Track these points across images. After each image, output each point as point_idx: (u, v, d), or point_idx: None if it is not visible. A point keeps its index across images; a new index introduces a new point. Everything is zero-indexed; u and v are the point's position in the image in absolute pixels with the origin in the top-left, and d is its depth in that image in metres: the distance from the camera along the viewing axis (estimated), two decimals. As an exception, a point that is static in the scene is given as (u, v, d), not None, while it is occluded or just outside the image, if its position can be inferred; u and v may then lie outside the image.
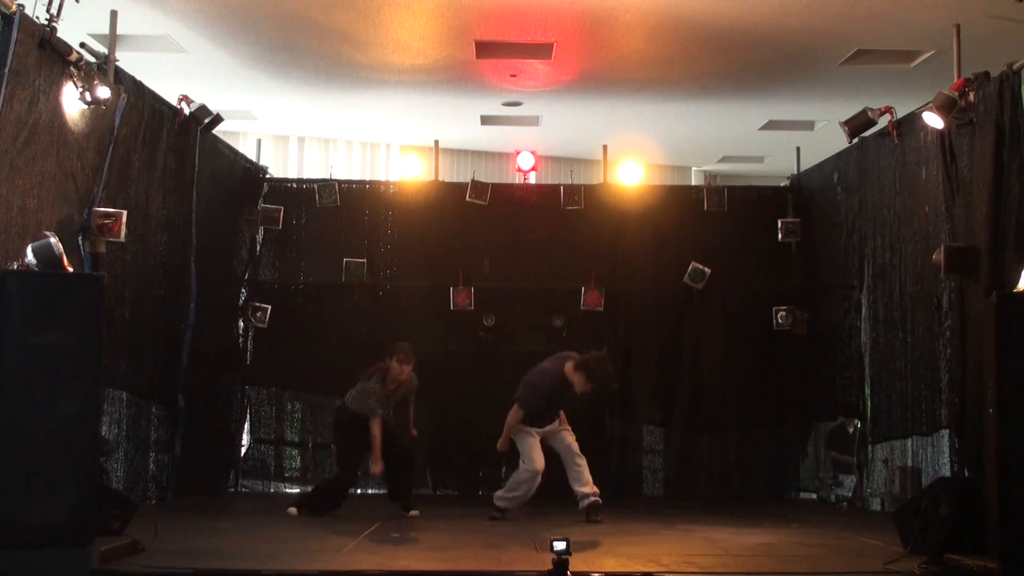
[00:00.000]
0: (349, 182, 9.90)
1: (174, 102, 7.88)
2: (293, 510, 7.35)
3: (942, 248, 6.63)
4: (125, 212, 6.73)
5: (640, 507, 8.41)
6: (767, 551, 5.98)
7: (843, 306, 8.77)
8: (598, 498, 7.23)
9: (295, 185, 9.85)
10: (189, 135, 8.16)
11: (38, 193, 5.98)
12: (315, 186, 9.64)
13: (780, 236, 9.45)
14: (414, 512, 7.40)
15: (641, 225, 9.53)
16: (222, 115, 8.47)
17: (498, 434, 7.38)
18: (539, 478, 7.21)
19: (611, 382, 7.34)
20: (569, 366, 7.15)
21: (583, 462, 7.30)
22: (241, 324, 9.41)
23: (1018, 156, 6.04)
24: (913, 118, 7.48)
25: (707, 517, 7.52)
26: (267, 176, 9.79)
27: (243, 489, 9.24)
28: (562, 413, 7.40)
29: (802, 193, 9.69)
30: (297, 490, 9.24)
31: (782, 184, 10.16)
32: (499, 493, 7.39)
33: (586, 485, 7.25)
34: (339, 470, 7.65)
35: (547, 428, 7.34)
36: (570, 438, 7.35)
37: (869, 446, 8.25)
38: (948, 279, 6.78)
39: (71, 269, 5.61)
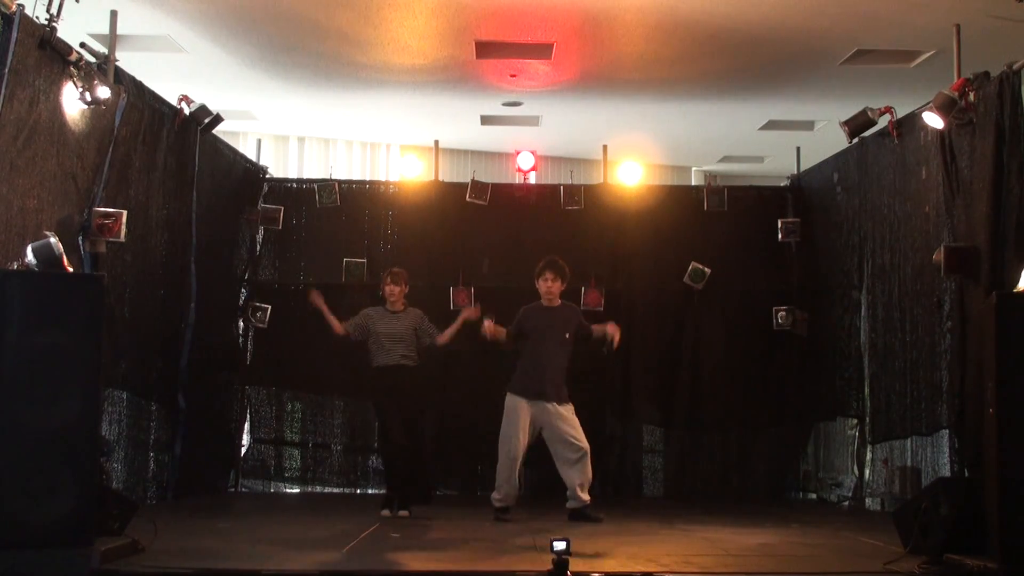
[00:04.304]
0: (349, 182, 9.89)
1: (174, 102, 7.87)
2: (386, 512, 7.31)
3: (942, 248, 6.62)
4: (125, 212, 6.72)
5: (640, 507, 8.41)
6: (767, 551, 5.98)
7: (843, 306, 8.76)
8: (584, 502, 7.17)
9: (295, 185, 9.84)
10: (189, 135, 8.15)
11: (38, 193, 5.98)
12: (315, 186, 9.63)
13: (780, 236, 9.45)
14: (403, 512, 7.27)
15: (641, 225, 9.51)
16: (222, 115, 8.46)
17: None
18: (518, 463, 7.15)
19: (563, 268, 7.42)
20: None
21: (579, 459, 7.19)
22: (241, 324, 9.40)
23: (1018, 156, 6.04)
24: (913, 118, 7.47)
25: (707, 517, 7.52)
26: (267, 176, 9.79)
27: (243, 489, 9.23)
28: (565, 410, 7.29)
29: (802, 193, 9.68)
30: (297, 490, 9.24)
31: (782, 184, 10.15)
32: (493, 494, 7.37)
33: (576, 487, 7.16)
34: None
35: (544, 407, 7.20)
36: (568, 436, 7.21)
37: (869, 446, 8.25)
38: (948, 279, 6.77)
39: (71, 269, 5.61)
